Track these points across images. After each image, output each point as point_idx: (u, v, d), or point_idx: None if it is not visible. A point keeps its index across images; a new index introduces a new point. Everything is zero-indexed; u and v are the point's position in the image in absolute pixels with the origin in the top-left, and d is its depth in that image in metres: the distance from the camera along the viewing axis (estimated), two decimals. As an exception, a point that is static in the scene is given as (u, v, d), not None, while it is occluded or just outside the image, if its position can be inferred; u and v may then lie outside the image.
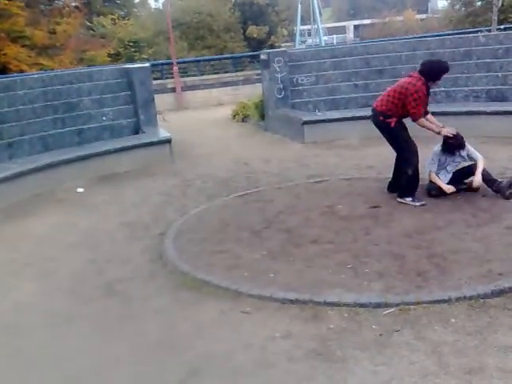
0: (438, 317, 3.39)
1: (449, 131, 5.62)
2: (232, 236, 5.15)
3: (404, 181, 5.69)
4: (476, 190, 5.68)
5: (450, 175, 5.77)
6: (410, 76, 5.68)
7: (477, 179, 5.59)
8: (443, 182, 5.71)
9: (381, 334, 3.28)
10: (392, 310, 3.53)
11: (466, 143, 5.72)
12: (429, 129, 5.66)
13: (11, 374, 3.31)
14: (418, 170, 5.63)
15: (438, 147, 5.78)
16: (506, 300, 3.51)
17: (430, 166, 5.77)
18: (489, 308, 3.44)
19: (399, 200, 5.68)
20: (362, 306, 3.61)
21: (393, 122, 5.66)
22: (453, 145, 5.65)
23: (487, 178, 5.62)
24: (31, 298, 4.31)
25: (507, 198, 5.40)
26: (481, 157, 5.68)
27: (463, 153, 5.72)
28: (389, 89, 5.79)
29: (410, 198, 5.60)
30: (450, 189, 5.66)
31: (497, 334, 3.14)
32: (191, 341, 3.45)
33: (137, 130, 9.87)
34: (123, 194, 7.21)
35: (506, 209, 5.17)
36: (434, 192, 5.68)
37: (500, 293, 3.57)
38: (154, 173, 8.18)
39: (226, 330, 3.55)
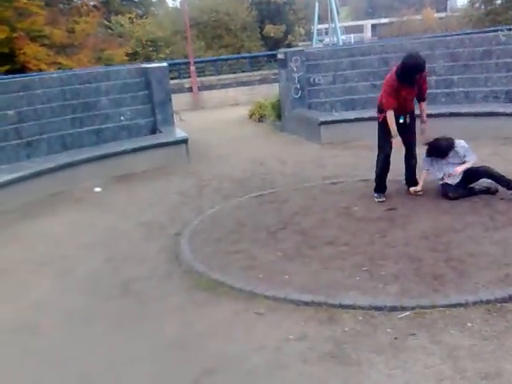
0: (455, 321, 3.36)
1: (395, 143, 5.71)
2: (247, 237, 5.16)
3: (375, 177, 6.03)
4: (495, 192, 5.62)
5: (459, 178, 5.70)
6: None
7: (458, 169, 5.61)
8: (450, 184, 5.70)
9: (396, 338, 3.26)
10: (408, 313, 3.50)
11: (458, 142, 5.69)
12: (389, 125, 5.68)
13: (28, 373, 3.35)
14: (383, 172, 5.95)
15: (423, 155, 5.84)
16: (523, 305, 3.46)
17: (424, 164, 5.84)
18: (506, 313, 3.40)
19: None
20: (377, 309, 3.59)
21: (381, 118, 5.82)
22: (433, 151, 5.71)
23: (497, 176, 5.59)
24: (49, 296, 4.37)
25: None
26: (474, 158, 5.68)
27: (456, 153, 5.67)
28: None
29: (376, 194, 5.92)
30: (415, 189, 5.83)
31: (514, 340, 3.11)
32: (206, 341, 3.46)
33: (154, 130, 9.93)
34: (140, 193, 7.26)
35: (524, 212, 5.10)
36: (452, 194, 5.63)
37: (518, 297, 3.53)
38: (171, 173, 8.22)
39: (240, 330, 3.56)
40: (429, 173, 5.88)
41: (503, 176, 5.61)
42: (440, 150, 5.68)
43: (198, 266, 4.57)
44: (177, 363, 3.26)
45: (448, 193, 5.67)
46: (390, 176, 6.62)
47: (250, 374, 3.07)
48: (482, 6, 29.66)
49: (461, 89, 9.84)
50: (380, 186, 5.99)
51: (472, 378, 2.79)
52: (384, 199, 5.84)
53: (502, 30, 15.03)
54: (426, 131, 5.93)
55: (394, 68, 5.64)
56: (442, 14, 47.84)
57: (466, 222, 4.97)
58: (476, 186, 5.73)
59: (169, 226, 5.78)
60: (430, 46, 10.72)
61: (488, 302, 3.51)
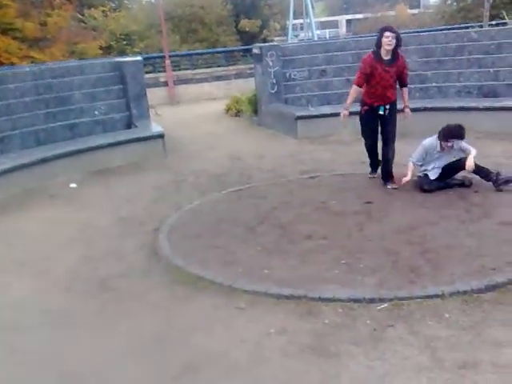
0: (432, 312, 3.42)
1: (343, 115, 6.09)
2: (226, 232, 5.16)
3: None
4: (469, 185, 5.73)
5: (440, 170, 5.80)
6: None
7: (469, 163, 5.61)
8: (432, 176, 5.77)
9: (375, 329, 3.30)
10: (386, 305, 3.56)
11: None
12: (348, 97, 6.04)
13: (7, 372, 3.30)
14: (372, 154, 6.37)
15: (429, 140, 5.80)
16: (499, 295, 3.55)
17: (414, 158, 5.84)
18: (482, 303, 3.48)
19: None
20: (356, 301, 3.63)
21: (362, 111, 6.08)
22: (450, 132, 5.65)
23: (481, 170, 5.68)
24: (27, 295, 4.30)
25: (498, 190, 5.52)
26: (474, 149, 5.72)
27: (457, 146, 5.74)
28: None
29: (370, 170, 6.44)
30: (405, 179, 5.82)
31: (490, 329, 3.18)
32: (186, 336, 3.46)
33: (129, 125, 9.84)
34: (117, 189, 7.19)
35: (498, 204, 5.21)
36: (427, 187, 5.71)
37: (493, 288, 3.62)
38: (147, 168, 8.16)
39: (221, 325, 3.56)
40: (416, 165, 5.88)
41: (484, 168, 5.69)
42: (459, 132, 5.66)
43: (178, 261, 4.55)
44: (157, 359, 3.25)
45: (423, 185, 5.75)
46: (366, 170, 6.70)
47: (231, 369, 3.08)
48: (454, 3, 30.05)
49: (434, 84, 9.98)
50: (372, 164, 6.45)
51: (450, 368, 2.85)
52: (374, 176, 6.35)
53: (472, 27, 15.28)
54: (408, 117, 6.02)
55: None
56: (415, 11, 48.34)
57: (442, 215, 5.05)
58: (451, 180, 5.83)
59: (147, 222, 5.74)
60: (403, 42, 10.81)
61: (464, 292, 3.59)
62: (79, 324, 3.78)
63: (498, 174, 5.60)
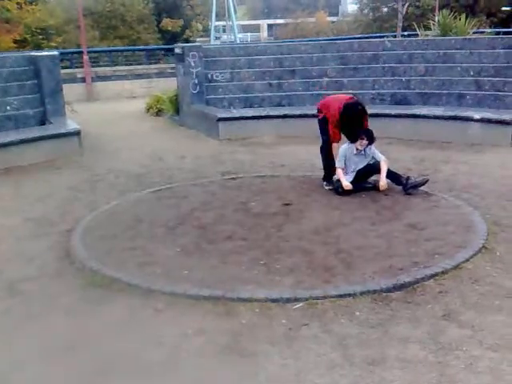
0: (344, 310, 3.54)
1: (345, 186, 5.93)
2: (145, 232, 5.08)
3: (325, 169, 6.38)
4: (382, 189, 6.00)
5: (354, 174, 6.04)
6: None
7: (382, 183, 5.89)
8: (347, 180, 5.98)
9: (290, 328, 3.37)
10: (301, 304, 3.64)
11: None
12: (338, 175, 6.11)
13: None
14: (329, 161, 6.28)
15: (345, 145, 6.05)
16: (406, 294, 3.73)
17: (338, 163, 6.03)
18: (391, 301, 3.64)
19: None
20: (273, 301, 3.68)
21: (320, 116, 6.25)
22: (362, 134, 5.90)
23: (393, 175, 5.96)
24: None
25: (407, 194, 5.81)
26: (384, 158, 6.01)
27: (369, 151, 6.00)
28: None
29: (325, 183, 6.26)
30: (347, 186, 5.92)
31: (397, 327, 3.34)
32: (100, 340, 3.36)
33: (43, 121, 9.45)
34: (28, 188, 6.87)
35: (406, 207, 5.49)
36: (341, 190, 5.93)
37: (401, 287, 3.80)
38: (62, 166, 7.87)
39: (137, 328, 3.49)
40: (343, 170, 6.03)
41: (397, 173, 5.98)
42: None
43: (92, 263, 4.41)
44: (67, 365, 3.12)
45: (338, 188, 5.96)
46: (286, 172, 6.84)
47: (145, 372, 3.02)
48: (371, 13, 31.38)
49: (350, 91, 10.34)
50: (328, 175, 6.28)
51: (360, 365, 2.97)
52: (331, 187, 6.15)
53: (387, 37, 16.01)
54: None
55: (337, 108, 5.97)
56: (334, 18, 49.93)
57: (355, 217, 5.25)
58: (364, 183, 6.08)
59: (60, 223, 5.53)
60: (322, 49, 11.18)
61: (374, 291, 3.74)
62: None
63: (407, 178, 5.90)
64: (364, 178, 6.11)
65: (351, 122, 5.94)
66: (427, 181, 5.90)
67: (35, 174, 7.48)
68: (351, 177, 6.02)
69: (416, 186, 5.85)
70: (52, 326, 3.55)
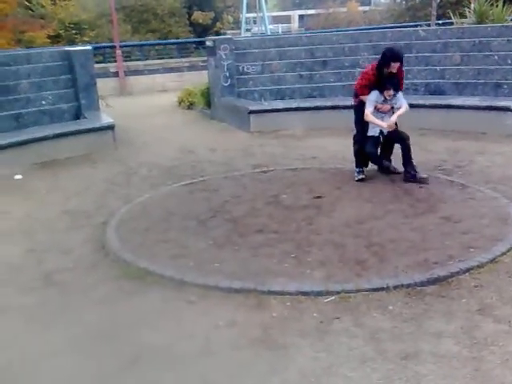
0: (377, 304, 3.52)
1: (389, 126, 5.97)
2: (177, 225, 5.13)
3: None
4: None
5: (379, 132, 6.06)
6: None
7: (390, 122, 5.91)
8: (373, 133, 6.04)
9: (321, 322, 3.37)
10: (333, 297, 3.63)
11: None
12: (371, 120, 6.02)
13: None
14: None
15: (375, 91, 5.96)
16: (440, 288, 3.67)
17: (368, 107, 5.97)
18: (424, 296, 3.59)
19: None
20: (304, 294, 3.68)
21: (356, 102, 6.18)
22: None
23: (407, 158, 5.94)
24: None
25: (404, 180, 5.93)
26: (406, 105, 6.03)
27: (395, 97, 6.00)
28: None
29: (356, 170, 6.20)
30: (390, 122, 5.91)
31: (431, 321, 3.29)
32: (133, 331, 3.42)
33: (78, 115, 9.62)
34: (64, 181, 7.02)
35: (441, 200, 5.39)
36: (368, 149, 6.03)
37: (435, 281, 3.74)
38: (97, 160, 8.00)
39: (170, 319, 3.54)
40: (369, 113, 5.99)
41: (411, 159, 5.95)
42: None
43: (126, 255, 4.49)
44: (100, 354, 3.19)
45: (366, 147, 6.05)
46: (317, 164, 6.81)
47: (178, 362, 3.07)
48: (403, 2, 30.78)
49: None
50: (360, 162, 6.23)
51: (393, 359, 2.94)
52: (362, 177, 6.12)
53: (421, 26, 15.68)
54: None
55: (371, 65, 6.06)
56: (366, 8, 49.16)
57: (387, 210, 5.19)
58: (386, 162, 6.17)
59: (95, 215, 5.63)
60: (354, 39, 11.02)
61: (408, 285, 3.69)
62: (18, 318, 3.66)
63: (414, 169, 5.93)
64: (388, 145, 6.13)
65: (387, 61, 5.81)
66: (427, 182, 5.85)
67: (71, 168, 7.63)
68: (376, 132, 6.04)
69: (416, 180, 5.86)
70: (86, 317, 3.63)
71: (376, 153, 6.12)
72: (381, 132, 6.05)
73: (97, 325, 3.52)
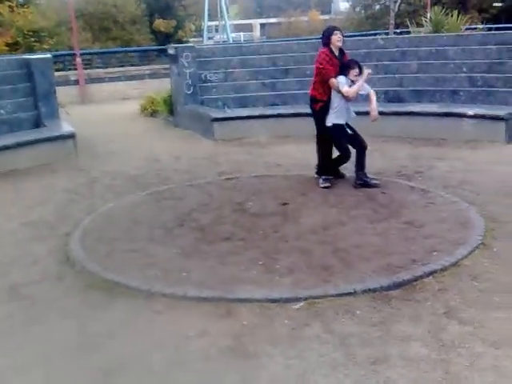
0: (345, 309, 3.56)
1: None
2: (143, 234, 5.08)
3: (320, 161, 6.34)
4: (374, 119, 6.17)
5: (349, 114, 6.19)
6: None
7: (374, 113, 6.10)
8: (340, 120, 6.10)
9: (293, 328, 3.38)
10: (301, 304, 3.66)
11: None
12: (341, 90, 5.98)
13: None
14: (329, 156, 6.36)
15: (342, 76, 6.01)
16: (405, 291, 3.75)
17: (342, 88, 5.97)
18: (390, 299, 3.66)
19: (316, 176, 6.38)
20: (273, 301, 3.69)
21: (317, 107, 6.18)
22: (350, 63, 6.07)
23: (360, 161, 6.07)
24: None
25: (354, 186, 6.06)
26: (372, 91, 6.22)
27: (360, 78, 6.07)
28: None
29: (321, 179, 6.26)
30: (372, 117, 6.09)
31: (399, 325, 3.35)
32: (102, 343, 3.36)
33: (38, 124, 9.42)
34: (25, 191, 6.85)
35: (403, 205, 5.51)
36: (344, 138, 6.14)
37: (400, 285, 3.82)
38: (58, 169, 7.85)
39: (139, 330, 3.50)
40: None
41: (364, 163, 6.07)
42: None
43: (92, 265, 4.41)
44: (71, 367, 3.13)
45: (340, 146, 6.19)
46: (281, 171, 6.86)
47: (149, 374, 3.03)
48: (363, 11, 31.45)
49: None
50: (324, 169, 6.31)
51: (363, 364, 2.98)
52: (327, 185, 6.17)
53: (379, 34, 16.05)
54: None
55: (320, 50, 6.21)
56: (327, 17, 49.97)
57: (352, 215, 5.27)
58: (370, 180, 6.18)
59: (58, 226, 5.52)
60: (315, 48, 11.14)
61: (374, 290, 3.76)
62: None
63: (365, 174, 6.06)
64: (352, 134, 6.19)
65: (329, 34, 6.08)
66: (378, 187, 6.00)
67: (31, 178, 7.46)
68: (344, 119, 6.10)
69: (366, 185, 6.00)
70: (53, 330, 3.55)
71: (350, 153, 6.15)
72: (347, 125, 6.13)
73: (65, 338, 3.45)
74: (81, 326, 3.59)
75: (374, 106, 6.09)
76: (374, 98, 6.15)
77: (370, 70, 6.07)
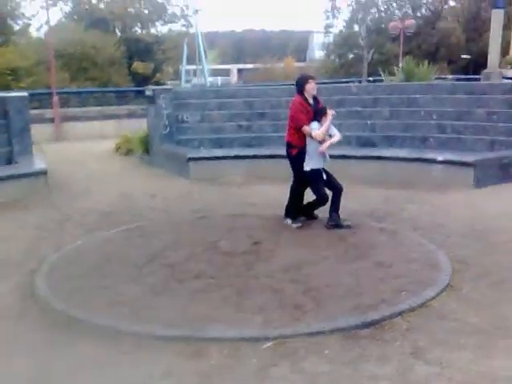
0: (314, 348, 3.53)
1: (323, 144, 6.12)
2: (113, 272, 4.99)
3: (289, 203, 6.39)
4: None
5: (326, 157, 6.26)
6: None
7: (326, 144, 6.09)
8: (317, 165, 6.17)
9: (260, 369, 3.33)
10: (270, 343, 3.61)
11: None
12: (313, 136, 6.07)
13: None
14: (300, 200, 6.40)
15: (315, 123, 6.13)
16: (374, 331, 3.75)
17: (313, 131, 6.07)
18: (360, 339, 3.65)
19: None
20: (242, 340, 3.66)
21: (293, 152, 6.25)
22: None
23: (335, 202, 6.16)
24: None
25: (327, 227, 6.12)
26: (339, 134, 6.26)
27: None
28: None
29: (290, 220, 6.29)
30: (320, 133, 6.05)
31: (367, 364, 3.34)
32: (63, 382, 3.26)
33: (10, 161, 9.33)
34: (-8, 227, 6.71)
35: (373, 245, 5.56)
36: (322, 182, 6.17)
37: (369, 324, 3.82)
38: (29, 206, 7.72)
39: (102, 371, 3.40)
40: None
41: (338, 205, 6.16)
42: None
43: (56, 303, 4.30)
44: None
45: (318, 192, 6.20)
46: (255, 211, 6.88)
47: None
48: (337, 59, 32.44)
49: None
50: (295, 212, 6.37)
51: (331, 403, 2.94)
52: (299, 225, 6.26)
53: (353, 82, 16.53)
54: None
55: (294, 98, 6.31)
56: (302, 64, 51.34)
57: (323, 255, 5.29)
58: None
59: (24, 263, 5.39)
60: (290, 93, 11.41)
61: (344, 329, 3.75)
62: None
63: (338, 215, 6.14)
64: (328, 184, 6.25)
65: (304, 82, 6.18)
66: (350, 228, 6.09)
67: (2, 213, 7.31)
68: (321, 163, 6.18)
69: (338, 226, 6.08)
70: (14, 368, 3.43)
71: (327, 198, 6.21)
72: (323, 169, 6.21)
73: (25, 377, 3.33)
74: (43, 365, 3.47)
75: (327, 144, 6.15)
76: (335, 139, 6.21)
77: (333, 111, 6.21)
